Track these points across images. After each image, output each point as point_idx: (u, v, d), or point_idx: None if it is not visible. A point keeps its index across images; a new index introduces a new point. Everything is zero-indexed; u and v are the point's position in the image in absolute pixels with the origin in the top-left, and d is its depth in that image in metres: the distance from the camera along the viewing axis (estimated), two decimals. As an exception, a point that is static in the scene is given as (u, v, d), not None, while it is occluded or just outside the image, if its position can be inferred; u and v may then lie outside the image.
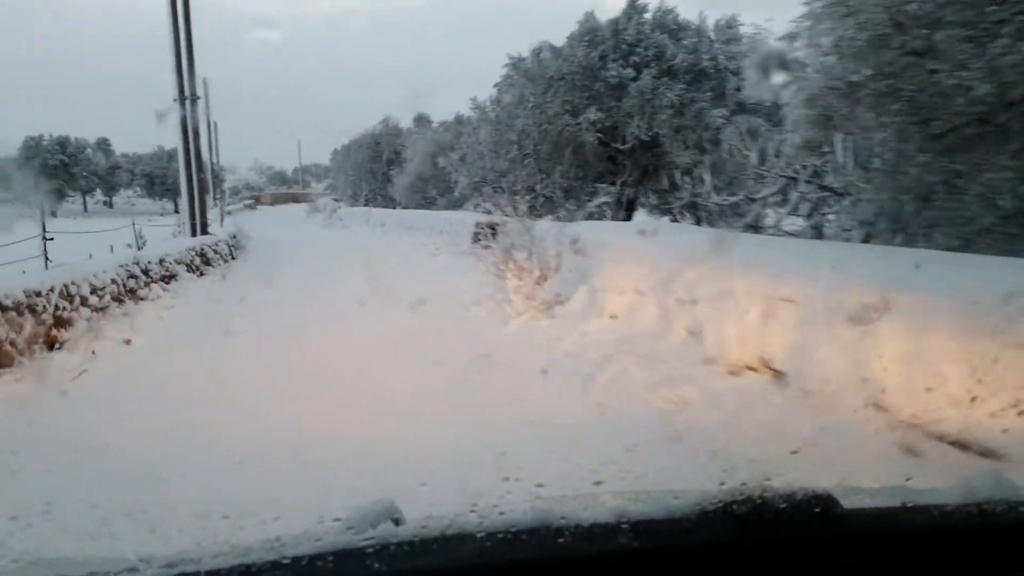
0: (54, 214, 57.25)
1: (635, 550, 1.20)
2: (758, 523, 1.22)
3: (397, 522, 1.31)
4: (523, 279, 8.59)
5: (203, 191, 16.94)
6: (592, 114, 19.75)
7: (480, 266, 12.44)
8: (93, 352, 6.99)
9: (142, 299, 9.42)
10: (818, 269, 5.31)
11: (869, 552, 1.25)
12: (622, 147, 20.73)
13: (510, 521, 1.27)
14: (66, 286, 7.30)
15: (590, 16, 21.01)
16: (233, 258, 18.02)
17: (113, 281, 8.69)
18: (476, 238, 18.38)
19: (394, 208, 34.60)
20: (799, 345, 4.96)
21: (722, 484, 1.38)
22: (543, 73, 20.91)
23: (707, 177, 14.77)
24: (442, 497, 1.84)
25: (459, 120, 36.87)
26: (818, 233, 12.22)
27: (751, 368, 5.52)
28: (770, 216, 14.44)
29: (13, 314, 6.31)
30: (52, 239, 10.70)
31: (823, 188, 11.90)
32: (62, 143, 57.38)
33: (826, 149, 10.91)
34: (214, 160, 35.06)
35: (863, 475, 3.08)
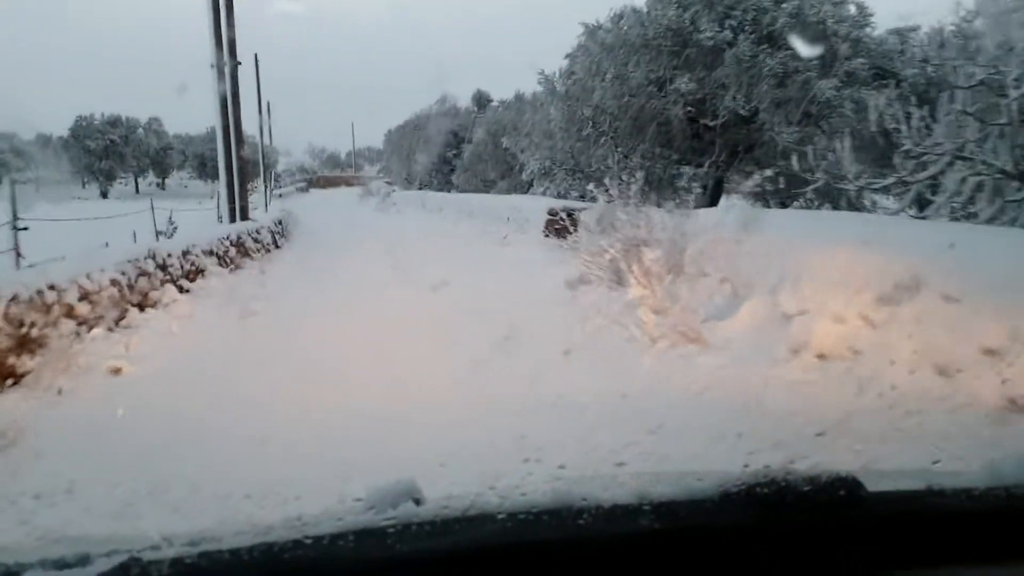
0: (104, 195, 56.55)
1: (656, 531, 1.19)
2: (781, 506, 1.20)
3: (418, 502, 1.30)
4: (652, 287, 6.14)
5: (244, 172, 14.77)
6: (681, 84, 17.10)
7: (566, 261, 11.11)
8: (59, 391, 5.40)
9: (153, 305, 7.20)
10: None
11: (893, 535, 1.21)
12: (711, 123, 18.91)
13: (531, 502, 1.25)
14: (40, 293, 5.04)
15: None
16: (277, 247, 16.01)
17: (114, 283, 6.48)
18: (550, 227, 16.77)
19: (451, 192, 33.47)
20: None
21: (746, 466, 1.35)
22: (624, 40, 19.27)
23: (845, 156, 12.01)
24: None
25: (520, 99, 35.64)
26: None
27: None
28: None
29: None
30: (27, 228, 8.45)
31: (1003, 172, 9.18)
32: (113, 122, 56.72)
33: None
34: (266, 142, 33.05)
35: None
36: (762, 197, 22.87)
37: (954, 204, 11.15)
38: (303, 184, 59.72)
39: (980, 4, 13.28)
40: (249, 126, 48.89)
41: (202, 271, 10.07)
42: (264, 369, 5.99)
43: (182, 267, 9.25)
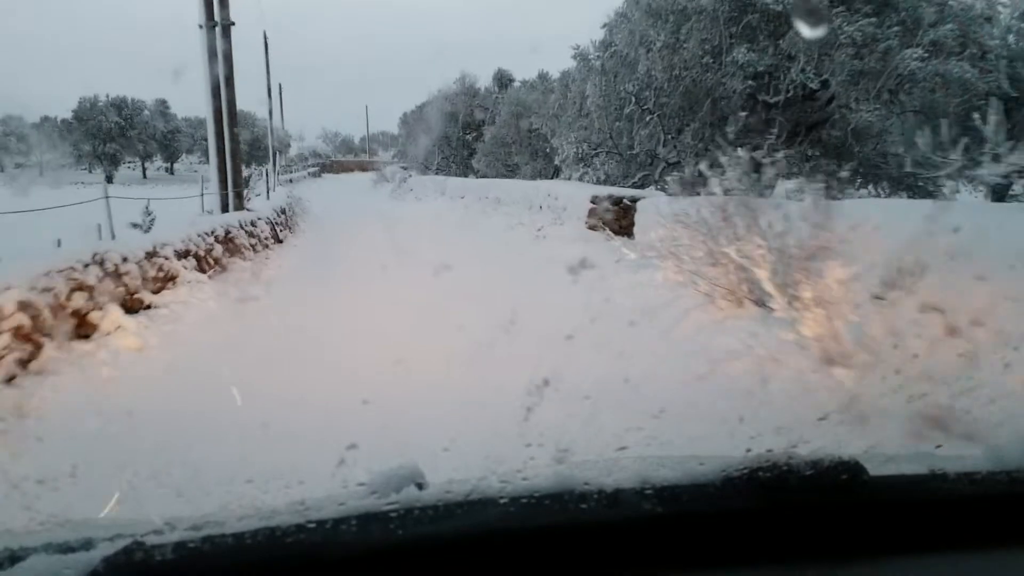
0: (110, 179, 54.64)
1: (659, 515, 1.23)
2: (783, 489, 1.24)
3: (420, 487, 1.34)
4: (831, 322, 3.78)
5: (238, 154, 12.36)
6: (741, 54, 14.10)
7: (631, 264, 9.38)
8: None
9: (88, 335, 4.87)
10: None
11: (895, 519, 1.25)
12: (772, 99, 17.23)
13: (533, 486, 1.29)
14: None
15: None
16: (279, 241, 13.65)
17: (25, 306, 4.34)
18: (595, 217, 14.89)
19: (471, 177, 31.79)
20: None
21: (748, 451, 1.40)
22: (675, 6, 18.11)
23: (928, 137, 9.73)
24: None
25: (545, 78, 33.96)
26: None
27: None
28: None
29: None
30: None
31: None
32: (118, 104, 54.50)
33: None
34: (276, 125, 30.84)
35: None
36: (824, 183, 19.78)
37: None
38: (315, 169, 57.81)
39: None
40: (259, 109, 46.24)
41: (173, 278, 7.75)
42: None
43: (144, 275, 6.93)
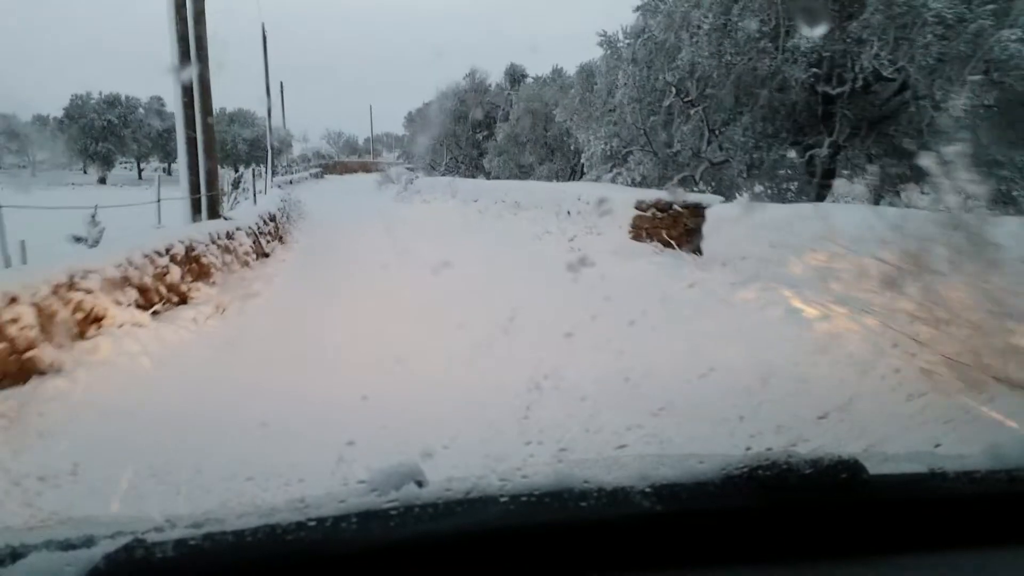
0: (103, 180, 52.32)
1: (658, 514, 1.25)
2: (783, 488, 1.27)
3: (420, 484, 1.36)
4: None
5: (212, 149, 9.98)
6: (805, 38, 14.89)
7: (726, 296, 7.06)
8: None
9: None
10: None
11: (895, 518, 1.28)
12: (834, 90, 14.98)
13: (533, 484, 1.32)
14: None
15: None
16: (264, 256, 11.10)
17: None
18: (643, 226, 12.91)
19: (480, 178, 30.37)
20: None
21: (748, 449, 1.51)
22: None
23: None
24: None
25: (559, 73, 32.51)
26: None
27: None
28: None
29: None
30: None
31: None
32: (111, 102, 52.16)
33: None
34: (276, 124, 28.82)
35: None
36: (889, 187, 17.98)
37: None
38: (317, 170, 56.00)
39: None
40: (260, 108, 44.12)
41: (98, 319, 5.42)
42: None
43: (46, 320, 4.60)
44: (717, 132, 16.28)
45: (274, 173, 37.65)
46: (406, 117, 50.55)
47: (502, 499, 1.26)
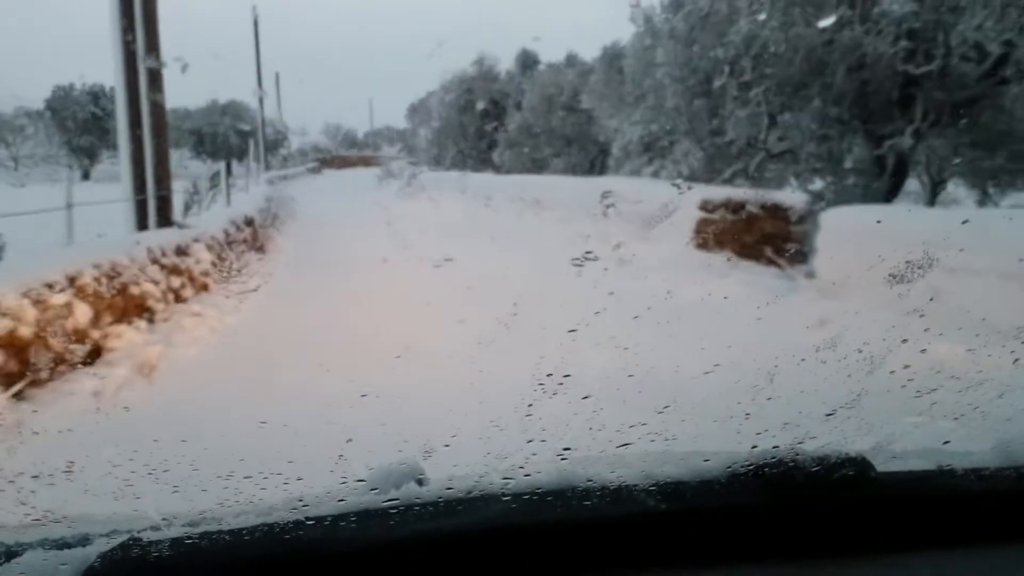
0: (87, 176, 50.04)
1: (662, 512, 1.25)
2: (789, 486, 1.27)
3: (421, 483, 1.36)
4: None
5: (163, 139, 7.66)
6: (896, 4, 12.21)
7: None
8: None
9: None
10: None
11: (903, 516, 1.28)
12: (918, 69, 12.60)
13: (535, 482, 1.32)
14: None
15: None
16: (228, 277, 8.59)
17: None
18: (711, 232, 10.61)
19: (487, 172, 27.90)
20: None
21: (754, 447, 1.38)
22: None
23: None
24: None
25: (573, 60, 30.31)
26: None
27: None
28: None
29: None
30: None
31: None
32: (94, 93, 49.67)
33: None
34: (270, 115, 26.90)
35: None
36: (978, 183, 15.65)
37: None
38: (314, 165, 54.13)
39: None
40: (252, 99, 42.24)
41: None
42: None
43: None
44: (775, 117, 14.05)
45: (268, 168, 35.61)
46: (408, 108, 49.05)
47: (504, 497, 1.26)
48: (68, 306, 5.77)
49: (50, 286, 5.64)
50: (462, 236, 15.21)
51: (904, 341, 5.18)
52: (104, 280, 6.51)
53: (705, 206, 10.78)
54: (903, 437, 1.99)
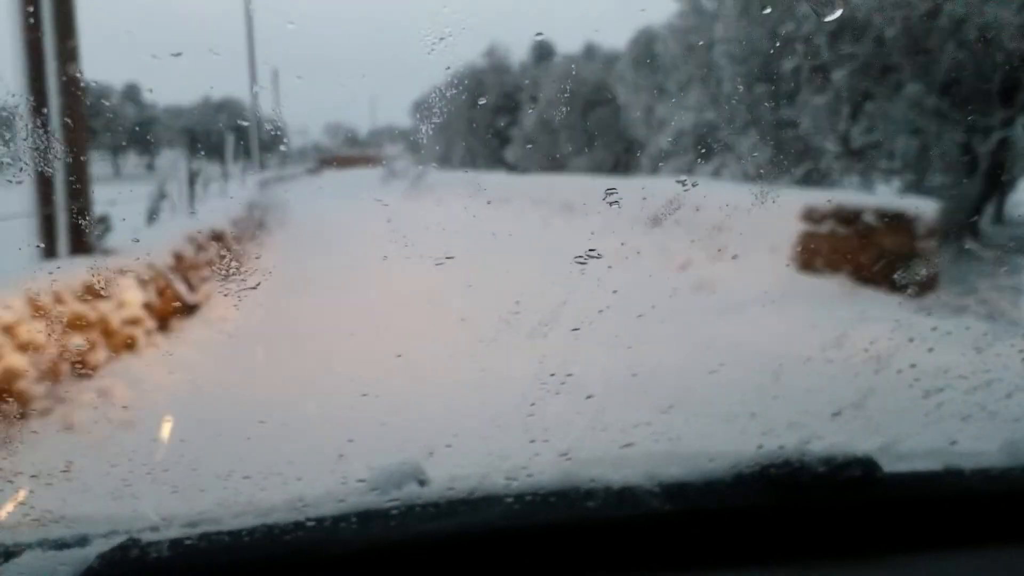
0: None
1: (667, 513, 1.26)
2: (796, 487, 1.28)
3: (422, 483, 1.38)
4: None
5: (80, 133, 5.43)
6: None
7: None
8: None
9: None
10: None
11: (910, 516, 1.30)
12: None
13: (538, 483, 1.33)
14: None
15: None
16: (191, 307, 6.23)
17: None
18: (814, 247, 8.45)
19: (501, 171, 26.53)
20: None
21: (760, 447, 1.39)
22: None
23: None
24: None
25: (592, 50, 29.14)
26: None
27: None
28: None
29: None
30: None
31: None
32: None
33: None
34: (271, 115, 26.20)
35: None
36: None
37: None
38: (313, 165, 52.90)
39: None
40: (245, 96, 40.36)
41: None
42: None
43: None
44: (861, 107, 11.83)
45: (263, 168, 33.87)
46: (413, 105, 47.12)
47: (507, 498, 1.27)
48: None
49: None
50: (480, 248, 12.88)
51: None
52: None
53: (810, 215, 8.63)
54: (910, 437, 1.88)
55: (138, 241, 8.29)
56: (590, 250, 3.89)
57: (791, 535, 1.23)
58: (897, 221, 8.46)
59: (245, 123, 51.72)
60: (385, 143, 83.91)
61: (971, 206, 11.93)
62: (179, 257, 8.56)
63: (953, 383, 3.73)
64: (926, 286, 7.77)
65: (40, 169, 6.87)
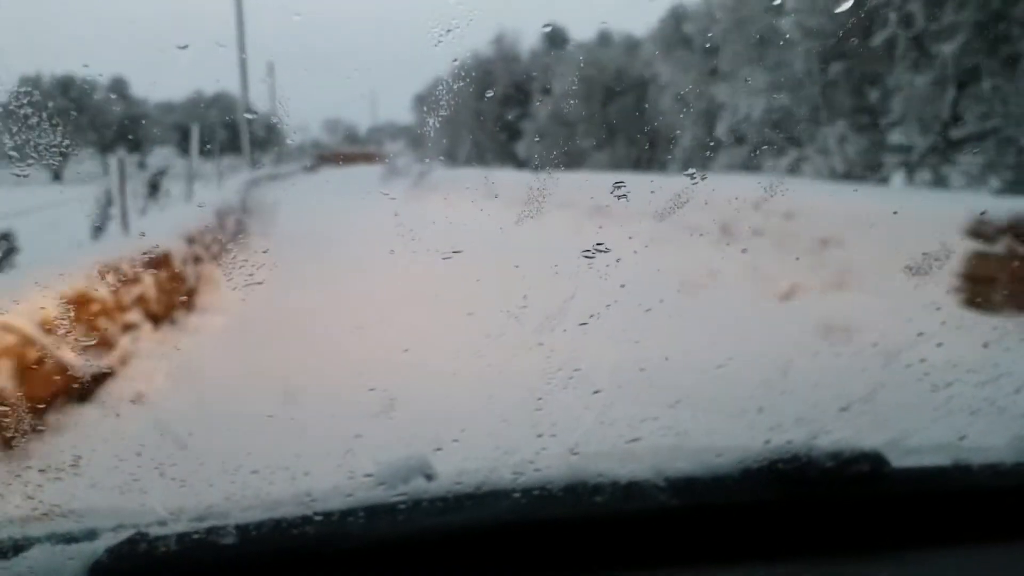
0: (57, 177, 48.52)
1: (674, 508, 1.33)
2: (803, 482, 1.35)
3: (429, 478, 1.45)
4: None
5: None
6: None
7: None
8: None
9: None
10: None
11: (918, 512, 1.37)
12: None
13: (545, 478, 1.40)
14: None
15: None
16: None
17: None
18: (987, 276, 6.91)
19: (510, 167, 26.77)
20: None
21: (767, 442, 1.48)
22: None
23: None
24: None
25: (606, 37, 28.83)
26: None
27: None
28: None
29: None
30: None
31: None
32: (64, 84, 48.12)
33: None
34: (268, 110, 26.42)
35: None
36: None
37: None
38: (310, 162, 53.34)
39: None
40: (251, 96, 41.21)
41: None
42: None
43: None
44: (969, 88, 11.12)
45: (257, 166, 34.22)
46: (414, 98, 47.89)
47: (514, 493, 1.33)
48: None
49: None
50: (497, 262, 12.06)
51: None
52: None
53: (979, 230, 6.97)
54: (918, 432, 1.95)
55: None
56: (598, 244, 4.14)
57: (798, 530, 1.30)
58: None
59: (239, 118, 52.31)
60: (387, 139, 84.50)
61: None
62: (85, 298, 6.10)
63: (962, 377, 3.83)
64: None
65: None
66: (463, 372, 5.59)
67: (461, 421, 3.37)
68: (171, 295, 8.38)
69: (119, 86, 59.04)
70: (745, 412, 4.09)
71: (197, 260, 10.00)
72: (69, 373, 5.27)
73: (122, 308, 6.87)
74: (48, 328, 5.18)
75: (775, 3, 11.82)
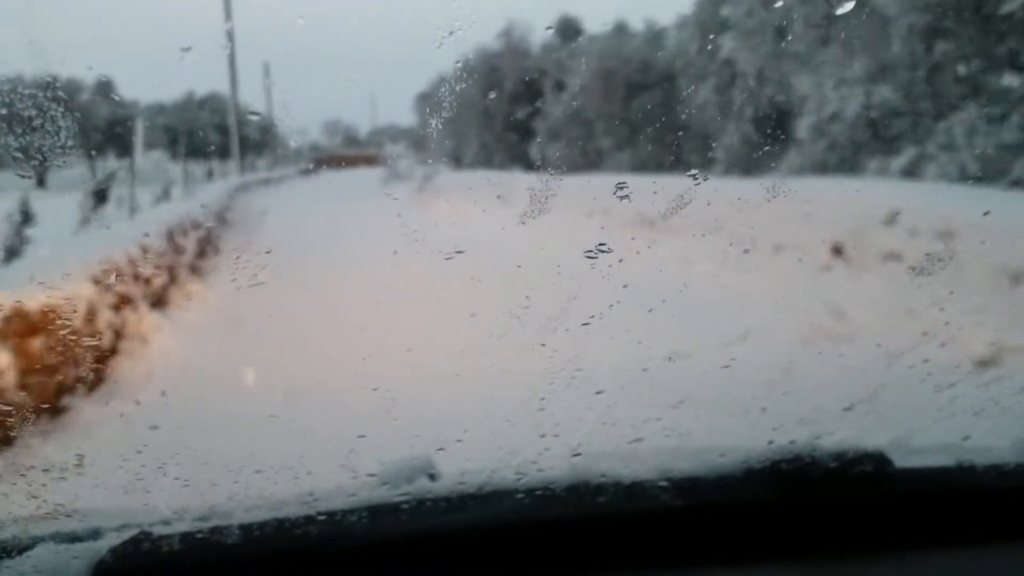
0: (41, 183, 49.25)
1: (677, 508, 1.39)
2: (806, 482, 1.42)
3: (432, 478, 1.53)
4: None
5: None
6: None
7: None
8: None
9: None
10: None
11: (922, 512, 1.43)
12: None
13: (548, 478, 1.47)
14: None
15: None
16: None
17: None
18: None
19: (518, 170, 26.00)
20: None
21: (770, 442, 1.56)
22: None
23: None
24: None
25: (623, 29, 28.81)
26: None
27: None
28: None
29: None
30: None
31: None
32: (46, 86, 48.15)
33: None
34: (264, 112, 27.02)
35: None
36: None
37: None
38: (308, 166, 53.76)
39: None
40: (244, 97, 41.62)
41: None
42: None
43: None
44: None
45: (249, 169, 34.59)
46: (417, 97, 48.22)
47: (517, 493, 1.41)
48: None
49: None
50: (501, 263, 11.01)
51: None
52: None
53: None
54: (922, 432, 2.02)
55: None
56: (600, 244, 4.40)
57: (802, 530, 1.37)
58: None
59: (230, 120, 52.64)
60: (387, 141, 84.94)
61: None
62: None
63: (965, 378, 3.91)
64: None
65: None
66: (466, 372, 5.88)
67: (464, 421, 3.49)
68: (100, 351, 6.50)
69: (103, 86, 59.70)
70: (748, 412, 4.23)
71: (142, 297, 8.15)
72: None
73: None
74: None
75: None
